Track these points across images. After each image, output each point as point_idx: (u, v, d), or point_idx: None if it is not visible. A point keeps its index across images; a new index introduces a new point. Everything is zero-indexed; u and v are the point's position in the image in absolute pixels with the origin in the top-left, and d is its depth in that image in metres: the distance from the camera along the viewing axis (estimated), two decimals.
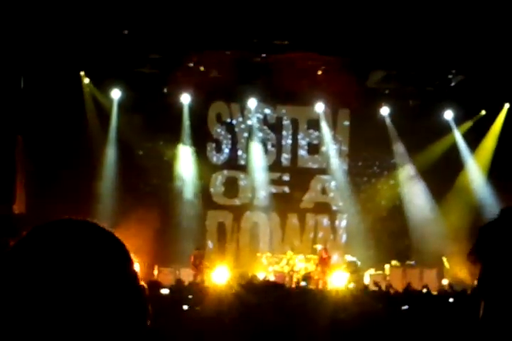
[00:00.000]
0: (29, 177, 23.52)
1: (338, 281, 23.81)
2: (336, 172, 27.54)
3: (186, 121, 26.32)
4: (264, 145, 27.41)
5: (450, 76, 25.76)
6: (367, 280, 24.50)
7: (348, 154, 27.82)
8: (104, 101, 25.49)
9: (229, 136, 27.28)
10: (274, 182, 27.38)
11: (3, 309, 1.56)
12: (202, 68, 25.33)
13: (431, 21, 20.40)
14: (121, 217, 22.35)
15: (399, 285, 21.26)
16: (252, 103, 26.80)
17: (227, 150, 27.25)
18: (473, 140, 26.92)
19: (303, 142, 27.88)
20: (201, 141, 26.78)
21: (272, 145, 27.61)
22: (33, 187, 23.53)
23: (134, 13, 21.01)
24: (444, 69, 25.20)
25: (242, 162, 27.30)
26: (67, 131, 23.82)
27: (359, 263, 25.06)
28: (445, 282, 23.94)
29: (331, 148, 27.63)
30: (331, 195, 27.64)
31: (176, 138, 26.20)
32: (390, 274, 24.74)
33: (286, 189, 27.47)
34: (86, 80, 25.03)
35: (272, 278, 23.24)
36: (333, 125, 27.68)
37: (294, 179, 27.46)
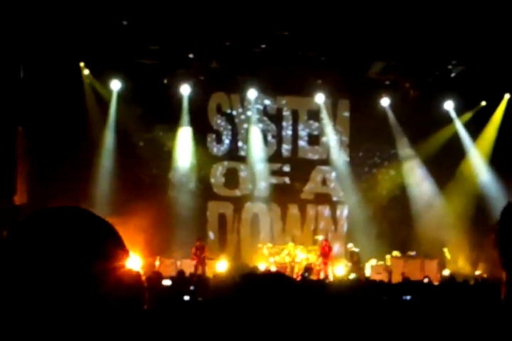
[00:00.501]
0: (30, 168, 23.50)
1: (339, 272, 23.86)
2: (337, 162, 27.54)
3: (186, 112, 26.29)
4: (265, 136, 27.40)
5: (450, 67, 25.69)
6: (368, 270, 24.55)
7: (348, 145, 27.83)
8: (104, 92, 25.46)
9: (229, 127, 27.26)
10: (275, 173, 27.37)
11: None
12: (202, 60, 25.27)
13: (431, 12, 20.34)
14: (122, 208, 22.35)
15: (400, 276, 21.29)
16: (252, 94, 26.77)
17: (227, 141, 27.23)
18: (474, 131, 26.94)
19: (303, 133, 27.88)
20: (201, 131, 26.76)
21: (272, 136, 27.60)
22: (34, 177, 23.52)
23: (133, 3, 20.95)
24: (445, 59, 25.13)
25: (243, 153, 27.28)
26: (67, 121, 23.79)
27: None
28: (446, 273, 23.97)
29: (331, 138, 27.63)
30: (332, 185, 27.65)
31: (176, 129, 26.19)
32: (391, 265, 24.76)
33: (287, 180, 27.46)
34: (86, 71, 24.99)
35: (273, 269, 23.26)
36: (333, 116, 27.68)
37: (295, 170, 27.46)
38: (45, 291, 1.56)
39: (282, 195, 27.02)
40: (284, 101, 27.71)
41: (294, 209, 27.18)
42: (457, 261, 25.46)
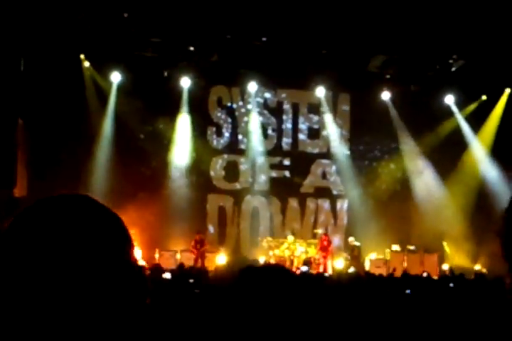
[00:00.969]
0: (30, 161, 23.52)
1: (338, 265, 23.91)
2: (337, 156, 27.55)
3: (186, 105, 26.28)
4: (265, 129, 27.40)
5: (451, 61, 25.68)
6: (367, 264, 24.59)
7: (348, 138, 27.83)
8: (105, 84, 25.45)
9: (229, 120, 27.25)
10: (275, 166, 27.38)
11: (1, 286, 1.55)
12: (202, 52, 25.26)
13: (432, 6, 20.31)
14: (122, 200, 22.32)
15: (399, 270, 21.29)
16: (252, 87, 26.76)
17: (227, 135, 27.22)
18: (474, 125, 26.97)
19: (303, 126, 27.88)
20: (202, 125, 26.75)
21: (273, 130, 27.60)
22: (34, 169, 23.54)
23: None
24: (445, 54, 25.12)
25: (243, 146, 27.27)
26: (67, 114, 23.79)
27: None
28: (445, 267, 24.02)
29: (331, 132, 27.62)
30: (332, 179, 27.65)
31: (176, 122, 26.18)
32: (390, 259, 24.80)
33: (287, 173, 27.47)
34: (86, 63, 24.97)
35: (272, 262, 23.29)
36: (334, 109, 27.68)
37: (295, 163, 27.47)
38: (49, 287, 1.54)
39: (282, 188, 27.04)
40: (284, 95, 27.71)
41: (293, 203, 27.19)
42: (457, 255, 25.49)
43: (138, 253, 20.04)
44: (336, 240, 26.61)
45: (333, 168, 27.62)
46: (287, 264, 23.47)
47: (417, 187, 27.05)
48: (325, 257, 24.29)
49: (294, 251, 24.63)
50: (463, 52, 24.58)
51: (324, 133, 27.75)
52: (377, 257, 25.05)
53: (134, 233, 1.76)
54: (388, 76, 26.96)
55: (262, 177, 27.17)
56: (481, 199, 25.63)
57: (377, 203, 26.62)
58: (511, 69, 24.38)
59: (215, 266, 21.56)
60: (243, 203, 26.86)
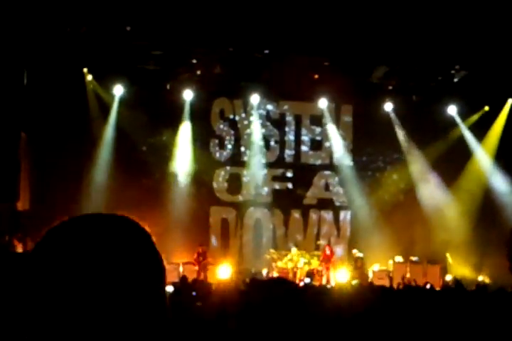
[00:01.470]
0: (32, 174, 23.53)
1: (341, 277, 23.84)
2: (339, 167, 27.54)
3: (189, 118, 26.30)
4: (267, 141, 27.41)
5: (453, 71, 25.73)
6: (370, 276, 24.53)
7: (351, 149, 27.80)
8: (107, 97, 25.48)
9: (232, 132, 27.25)
10: (277, 178, 27.37)
11: (37, 299, 1.53)
12: (205, 65, 25.32)
13: (434, 17, 20.36)
14: (124, 213, 22.26)
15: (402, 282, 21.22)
16: (254, 99, 26.78)
17: (230, 147, 27.22)
18: (477, 135, 26.96)
19: (306, 138, 27.88)
20: (204, 137, 26.77)
21: (275, 142, 27.60)
22: (37, 183, 23.55)
23: (136, 9, 20.98)
24: (447, 64, 25.17)
25: (245, 158, 27.27)
26: (70, 127, 23.82)
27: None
28: (449, 278, 23.96)
29: (334, 143, 27.63)
30: (335, 190, 27.63)
31: (178, 134, 26.20)
32: (393, 270, 24.75)
33: (290, 185, 27.45)
34: (89, 77, 25.02)
35: (275, 274, 23.25)
36: (336, 121, 27.68)
37: (297, 175, 27.46)
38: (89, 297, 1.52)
39: (285, 200, 27.03)
40: (286, 107, 27.72)
41: (296, 215, 27.17)
42: (460, 266, 25.43)
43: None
44: (339, 251, 26.56)
45: (336, 179, 27.60)
46: (290, 276, 23.42)
47: (421, 197, 26.99)
48: (328, 269, 24.25)
49: (297, 263, 24.58)
50: (465, 62, 24.62)
51: (327, 144, 27.76)
52: (380, 268, 24.99)
53: None
54: (391, 87, 26.99)
55: (265, 189, 27.16)
56: (485, 210, 25.61)
57: (380, 214, 26.57)
58: None
59: (217, 279, 21.51)
60: (246, 215, 26.83)
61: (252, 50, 24.14)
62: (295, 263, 24.56)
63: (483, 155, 26.94)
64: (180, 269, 23.55)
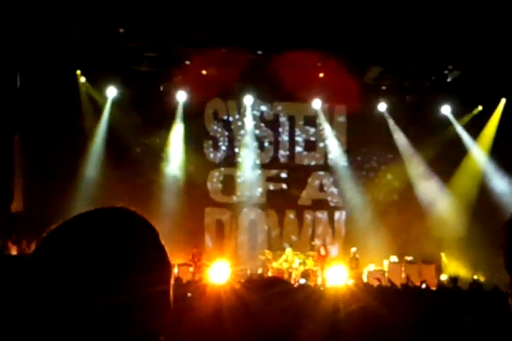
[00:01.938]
0: (26, 176, 23.50)
1: (337, 277, 23.82)
2: (334, 168, 27.55)
3: (182, 119, 26.30)
4: (261, 142, 27.43)
5: (446, 71, 25.76)
6: (365, 276, 24.52)
7: (345, 150, 27.81)
8: (101, 99, 25.47)
9: (226, 134, 27.26)
10: (272, 179, 27.37)
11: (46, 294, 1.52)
12: (198, 66, 25.31)
13: (427, 16, 20.37)
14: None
15: (398, 281, 21.23)
16: (248, 100, 26.80)
17: (224, 148, 27.22)
18: (471, 135, 27.01)
19: (300, 139, 27.89)
20: (198, 138, 26.77)
21: (269, 143, 27.61)
22: (30, 185, 23.52)
23: (129, 11, 20.96)
24: (441, 64, 25.20)
25: (239, 159, 27.26)
26: (63, 129, 23.80)
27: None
28: (444, 277, 23.98)
29: (328, 144, 27.65)
30: (329, 191, 27.64)
31: (172, 136, 26.20)
32: (388, 270, 24.74)
33: (284, 186, 27.46)
34: (82, 79, 25.01)
35: (270, 275, 23.23)
36: (330, 121, 27.70)
37: (292, 176, 27.46)
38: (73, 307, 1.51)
39: (279, 201, 27.03)
40: (280, 107, 27.73)
41: (291, 215, 27.17)
42: (455, 265, 25.45)
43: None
44: (334, 252, 26.57)
45: (331, 179, 27.62)
46: (285, 277, 23.41)
47: (415, 197, 27.01)
48: (323, 269, 24.25)
49: (292, 264, 24.58)
50: (458, 62, 24.65)
51: (321, 145, 27.78)
52: (376, 268, 24.98)
53: None
54: (384, 87, 27.03)
55: (259, 190, 27.16)
56: (480, 210, 25.62)
57: (375, 214, 26.59)
58: (507, 79, 24.46)
59: (213, 280, 21.48)
60: (240, 216, 26.84)
61: (245, 51, 24.13)
62: (290, 264, 24.56)
63: (477, 155, 26.98)
64: (175, 270, 23.53)
